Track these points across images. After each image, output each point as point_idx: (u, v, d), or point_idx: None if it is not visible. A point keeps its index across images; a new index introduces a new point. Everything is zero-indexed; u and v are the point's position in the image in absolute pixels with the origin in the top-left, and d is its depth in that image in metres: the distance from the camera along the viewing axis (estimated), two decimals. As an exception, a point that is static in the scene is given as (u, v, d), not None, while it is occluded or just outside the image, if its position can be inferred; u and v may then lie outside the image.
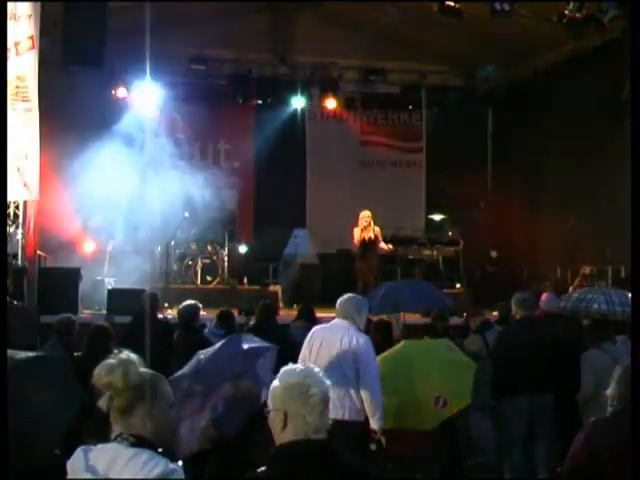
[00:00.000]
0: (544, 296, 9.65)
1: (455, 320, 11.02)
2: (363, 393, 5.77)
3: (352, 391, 5.75)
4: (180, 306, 7.95)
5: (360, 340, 5.85)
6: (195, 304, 7.75)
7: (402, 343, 6.87)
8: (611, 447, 3.45)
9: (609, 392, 3.68)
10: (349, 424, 5.74)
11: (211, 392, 5.21)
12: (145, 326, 7.79)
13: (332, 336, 5.88)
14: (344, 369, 5.73)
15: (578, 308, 7.16)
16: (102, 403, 2.74)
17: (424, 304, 8.78)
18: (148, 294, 8.60)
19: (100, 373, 2.75)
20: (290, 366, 2.93)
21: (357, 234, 13.03)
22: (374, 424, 5.85)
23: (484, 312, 8.80)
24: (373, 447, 6.47)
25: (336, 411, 5.68)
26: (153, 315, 8.42)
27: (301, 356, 5.92)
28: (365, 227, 12.99)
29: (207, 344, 6.63)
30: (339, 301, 6.12)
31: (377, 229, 13.18)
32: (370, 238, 12.96)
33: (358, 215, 14.37)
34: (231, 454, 5.23)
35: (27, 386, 3.87)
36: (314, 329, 6.13)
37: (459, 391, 6.30)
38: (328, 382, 2.91)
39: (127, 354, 2.82)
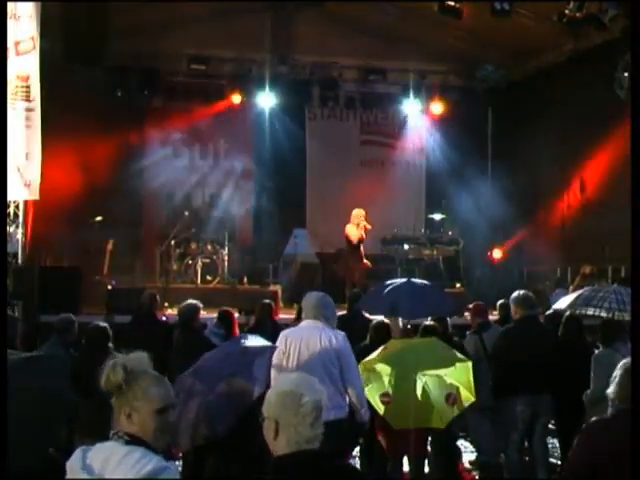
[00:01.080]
0: (552, 295, 9.59)
1: (455, 320, 11.01)
2: (349, 389, 5.76)
3: (341, 388, 5.74)
4: (180, 306, 7.95)
5: (339, 337, 5.84)
6: (195, 304, 7.74)
7: (395, 343, 6.78)
8: (611, 448, 3.46)
9: (610, 393, 3.69)
10: (338, 422, 5.71)
11: (206, 390, 5.22)
12: (144, 326, 7.83)
13: (309, 337, 5.81)
14: (329, 367, 5.70)
15: (588, 307, 7.15)
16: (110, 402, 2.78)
17: (423, 311, 8.23)
18: (147, 294, 8.60)
19: (105, 372, 2.77)
20: (285, 374, 2.92)
21: (354, 231, 12.95)
22: (362, 418, 5.84)
23: (487, 313, 8.64)
24: (360, 441, 6.47)
25: (327, 412, 5.66)
26: (152, 315, 8.43)
27: (275, 361, 5.79)
28: (362, 226, 12.98)
29: (207, 344, 6.64)
30: (306, 302, 6.08)
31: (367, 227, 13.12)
32: (363, 237, 12.96)
33: (358, 215, 14.36)
34: (228, 452, 5.24)
35: (22, 386, 3.87)
36: (285, 333, 6.00)
37: (465, 388, 6.32)
38: (322, 390, 2.89)
39: (136, 354, 2.83)
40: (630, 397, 3.55)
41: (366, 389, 6.12)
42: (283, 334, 6.00)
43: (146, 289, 10.43)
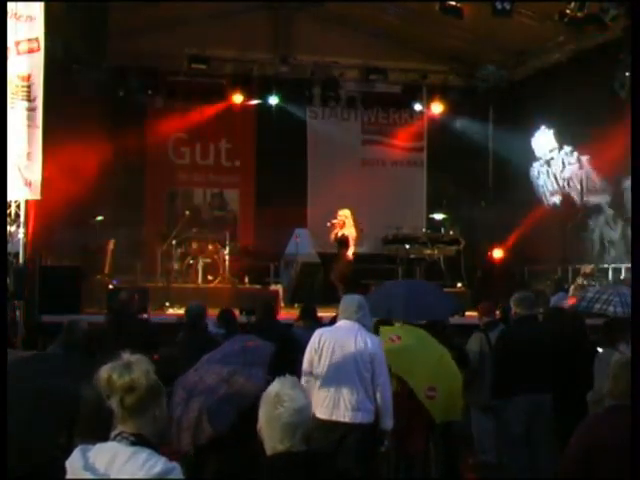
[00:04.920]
0: (555, 297, 9.58)
1: (456, 320, 11.00)
2: (378, 394, 5.72)
3: (370, 393, 5.71)
4: (188, 306, 7.90)
5: (374, 341, 5.81)
6: (202, 304, 7.71)
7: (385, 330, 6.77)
8: (605, 443, 3.49)
9: (604, 389, 3.71)
10: (365, 427, 5.71)
11: (207, 389, 5.24)
12: (122, 326, 7.79)
13: (344, 338, 5.77)
14: (362, 371, 5.67)
15: (592, 308, 7.14)
16: (113, 403, 2.74)
17: (420, 313, 7.95)
18: (125, 293, 8.50)
19: (116, 372, 2.74)
20: (279, 378, 2.96)
21: (332, 232, 13.04)
22: (386, 424, 5.81)
23: (494, 312, 8.59)
24: (383, 449, 6.48)
25: (354, 415, 5.67)
26: (130, 315, 8.35)
27: (307, 360, 5.80)
28: (338, 225, 12.99)
29: (213, 343, 6.63)
30: (343, 302, 6.02)
31: (352, 231, 13.05)
32: (341, 236, 12.93)
33: (359, 214, 14.38)
34: (228, 451, 5.25)
35: (22, 385, 3.87)
36: (320, 332, 5.94)
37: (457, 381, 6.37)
38: (301, 401, 2.90)
39: (137, 355, 2.83)
40: (622, 393, 3.58)
41: None
42: (318, 332, 5.94)
43: (126, 289, 10.27)
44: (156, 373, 2.86)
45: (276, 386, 2.94)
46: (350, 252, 13.23)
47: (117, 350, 2.85)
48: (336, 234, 13.03)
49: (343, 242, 12.95)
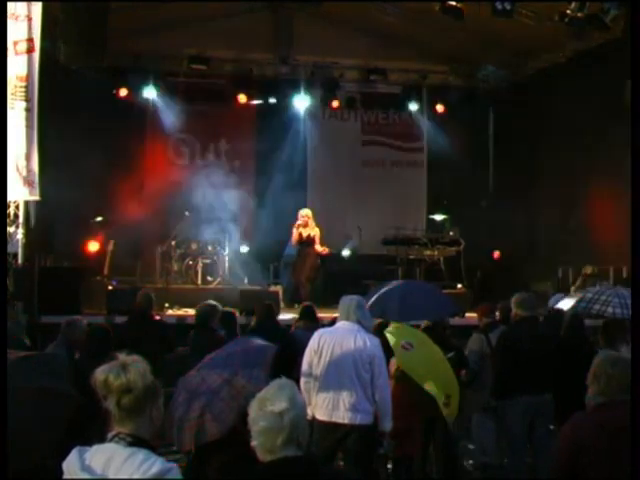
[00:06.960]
0: (553, 298, 9.59)
1: (456, 320, 10.99)
2: (377, 395, 5.73)
3: (369, 394, 5.71)
4: (198, 306, 7.88)
5: (374, 341, 5.82)
6: (213, 304, 7.70)
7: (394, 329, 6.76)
8: (593, 440, 3.52)
9: (590, 387, 3.73)
10: (365, 428, 5.70)
11: (209, 389, 5.24)
12: (141, 326, 7.82)
13: (344, 339, 5.78)
14: (361, 371, 5.68)
15: (591, 309, 7.13)
16: (110, 404, 2.72)
17: (415, 314, 7.90)
18: (143, 294, 8.52)
19: (112, 374, 2.73)
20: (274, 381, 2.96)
21: (295, 232, 13.07)
22: (385, 426, 5.81)
23: (494, 313, 8.55)
24: (382, 451, 6.47)
25: (354, 416, 5.67)
26: (149, 315, 8.39)
27: (307, 362, 5.82)
28: (302, 225, 13.04)
29: (222, 343, 6.63)
30: (342, 303, 6.02)
31: (317, 230, 13.11)
32: (307, 236, 12.98)
33: (359, 215, 14.34)
34: (229, 451, 5.24)
35: (19, 385, 3.85)
36: (320, 333, 5.95)
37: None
38: (284, 404, 2.85)
39: (133, 356, 2.81)
40: (602, 391, 3.61)
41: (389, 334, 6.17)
42: (317, 333, 5.96)
43: (140, 289, 10.31)
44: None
45: (263, 390, 2.93)
46: (319, 247, 13.32)
47: (139, 351, 2.85)
48: (300, 234, 13.10)
49: (310, 242, 13.03)
